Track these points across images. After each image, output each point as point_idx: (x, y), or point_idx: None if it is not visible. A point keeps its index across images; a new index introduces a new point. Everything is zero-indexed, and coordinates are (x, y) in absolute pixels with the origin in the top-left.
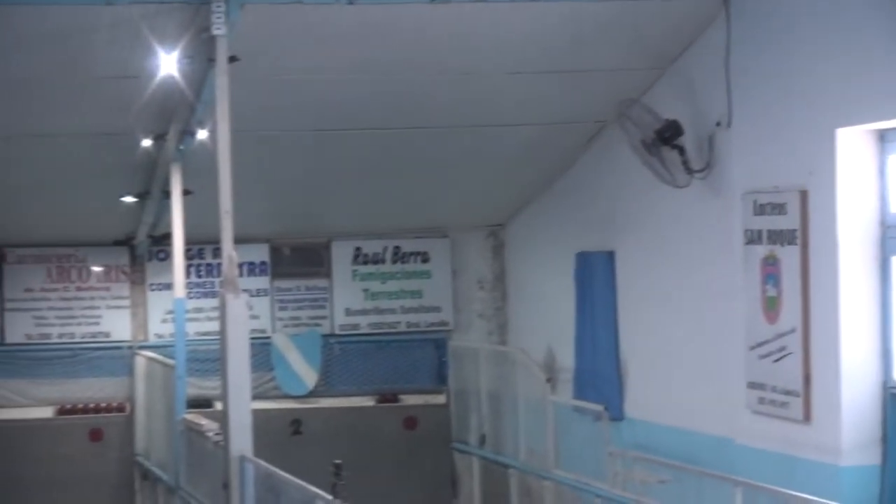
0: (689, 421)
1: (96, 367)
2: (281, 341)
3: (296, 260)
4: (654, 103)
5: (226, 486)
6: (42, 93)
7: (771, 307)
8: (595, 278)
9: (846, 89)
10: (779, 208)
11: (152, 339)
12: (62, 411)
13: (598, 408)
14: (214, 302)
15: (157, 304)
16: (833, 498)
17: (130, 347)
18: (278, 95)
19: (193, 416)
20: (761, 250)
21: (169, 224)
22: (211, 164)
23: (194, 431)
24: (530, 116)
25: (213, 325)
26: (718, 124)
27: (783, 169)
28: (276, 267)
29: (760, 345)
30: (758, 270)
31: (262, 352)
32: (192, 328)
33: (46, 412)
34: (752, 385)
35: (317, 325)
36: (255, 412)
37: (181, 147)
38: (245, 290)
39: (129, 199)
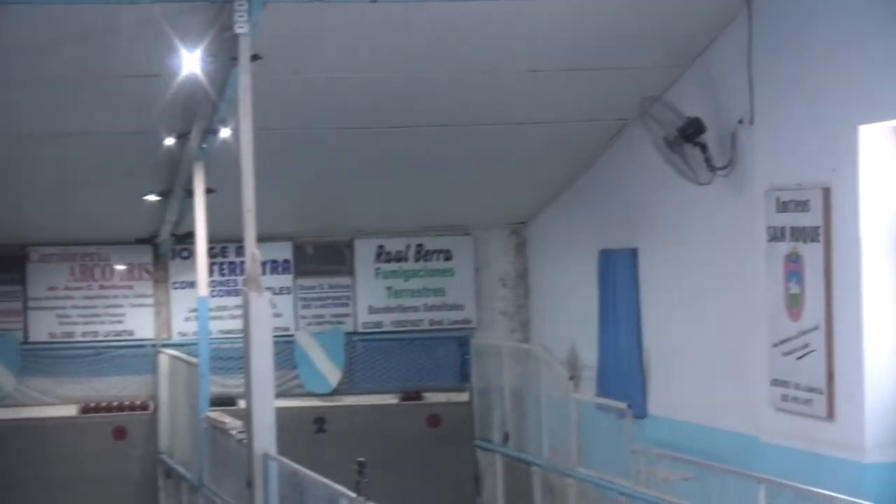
0: (713, 418)
1: (120, 366)
2: (304, 339)
3: (319, 258)
4: (677, 101)
5: (249, 484)
6: (65, 92)
7: (794, 304)
8: (618, 276)
9: (869, 86)
10: (802, 205)
11: (176, 338)
12: (86, 410)
13: (622, 405)
14: (238, 300)
15: (181, 303)
16: (857, 495)
17: (154, 346)
18: (301, 94)
19: (217, 414)
20: (784, 247)
21: (192, 222)
22: (234, 162)
23: (218, 429)
24: (553, 114)
25: (237, 324)
26: (741, 121)
27: (806, 166)
28: (299, 265)
29: (784, 342)
30: (781, 268)
31: (285, 350)
32: (215, 326)
33: (70, 410)
34: (776, 382)
35: (340, 323)
36: (279, 410)
37: (204, 145)
38: (268, 289)
39: (152, 197)
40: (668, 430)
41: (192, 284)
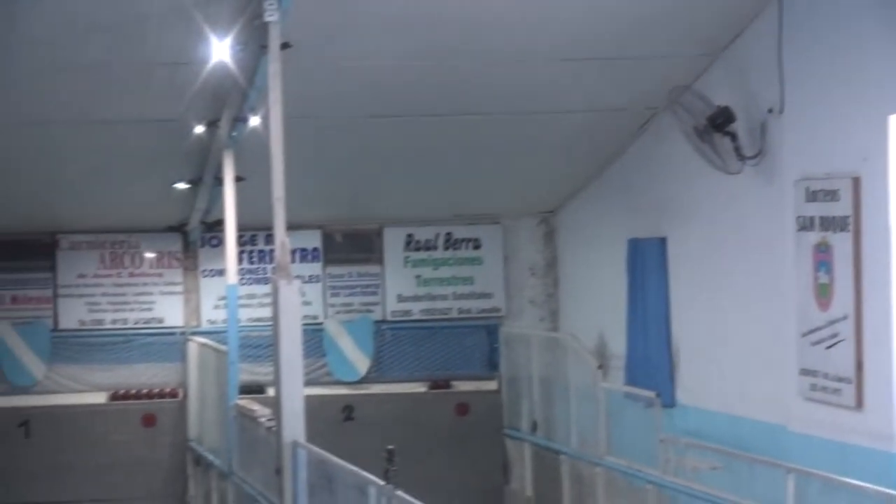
0: (741, 408)
1: (149, 353)
2: (333, 327)
3: (348, 246)
4: (706, 90)
5: (278, 471)
6: (96, 79)
7: (823, 294)
8: (647, 265)
9: None
10: (831, 195)
11: (205, 325)
12: (115, 397)
13: (650, 394)
14: (267, 288)
15: (210, 291)
16: (885, 484)
17: (183, 333)
18: (330, 82)
19: (246, 402)
20: (813, 237)
21: (221, 210)
22: (263, 150)
23: (247, 417)
24: (582, 103)
25: (266, 312)
26: (770, 111)
27: (836, 155)
28: (328, 253)
29: (812, 332)
30: (810, 257)
31: (314, 338)
32: (244, 314)
33: (100, 398)
34: (805, 372)
35: (369, 311)
36: (308, 398)
37: (234, 134)
38: (297, 277)
39: (181, 185)
40: (697, 420)
41: (221, 272)
